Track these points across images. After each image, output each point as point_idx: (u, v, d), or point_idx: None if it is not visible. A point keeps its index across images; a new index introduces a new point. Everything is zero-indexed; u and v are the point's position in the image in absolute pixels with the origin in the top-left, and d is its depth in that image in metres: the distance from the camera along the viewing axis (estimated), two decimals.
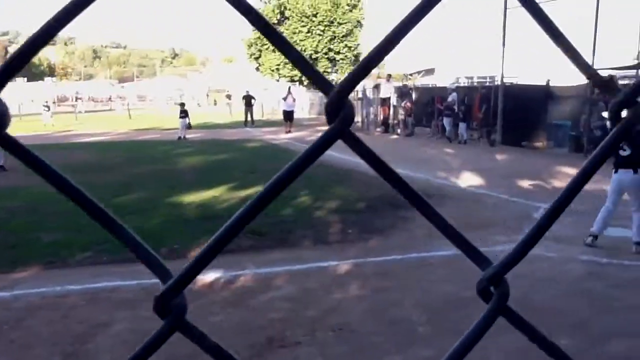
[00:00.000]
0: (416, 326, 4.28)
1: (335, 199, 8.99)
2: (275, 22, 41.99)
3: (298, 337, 4.09)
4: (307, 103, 37.86)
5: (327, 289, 5.08)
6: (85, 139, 20.95)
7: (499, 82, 18.35)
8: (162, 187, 9.94)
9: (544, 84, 17.13)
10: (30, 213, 7.99)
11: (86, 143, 19.44)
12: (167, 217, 7.73)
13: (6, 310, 4.70)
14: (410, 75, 41.87)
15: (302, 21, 40.91)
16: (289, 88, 25.59)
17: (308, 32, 41.12)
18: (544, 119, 16.87)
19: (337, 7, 40.71)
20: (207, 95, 63.07)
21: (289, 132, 23.03)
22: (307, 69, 0.41)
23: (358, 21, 42.46)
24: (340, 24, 41.18)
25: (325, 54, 41.59)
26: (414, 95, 23.32)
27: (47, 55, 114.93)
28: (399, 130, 22.65)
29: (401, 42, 0.42)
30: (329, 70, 39.10)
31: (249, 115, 28.24)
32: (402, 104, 22.24)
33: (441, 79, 32.42)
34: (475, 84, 26.24)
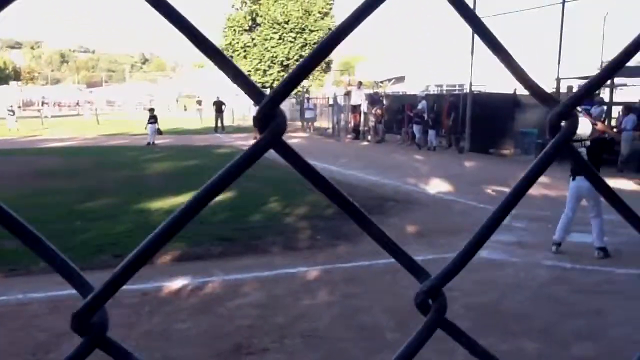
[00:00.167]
0: (385, 332, 4.28)
1: (305, 205, 8.97)
2: (247, 28, 41.93)
3: (266, 344, 4.06)
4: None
5: (296, 295, 5.06)
6: (52, 144, 20.55)
7: (468, 91, 18.62)
8: (130, 193, 9.80)
9: (511, 92, 17.43)
10: None
11: (53, 148, 19.06)
12: (134, 223, 7.61)
13: None
14: (381, 82, 42.18)
15: (274, 28, 40.92)
16: None
17: (280, 39, 41.15)
18: (511, 127, 17.16)
19: (309, 15, 40.88)
20: (177, 101, 62.53)
21: (256, 138, 22.91)
22: (236, 75, 0.40)
23: (329, 29, 42.58)
24: (312, 31, 41.32)
25: (297, 61, 41.58)
26: (384, 103, 23.48)
27: (12, 58, 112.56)
28: (369, 137, 22.79)
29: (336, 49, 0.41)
30: None
31: (219, 121, 28.08)
32: (373, 111, 22.39)
33: (411, 87, 32.77)
34: (444, 92, 26.56)
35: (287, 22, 40.75)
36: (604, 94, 18.32)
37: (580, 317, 4.63)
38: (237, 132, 27.27)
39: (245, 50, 42.25)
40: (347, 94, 24.78)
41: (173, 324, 4.42)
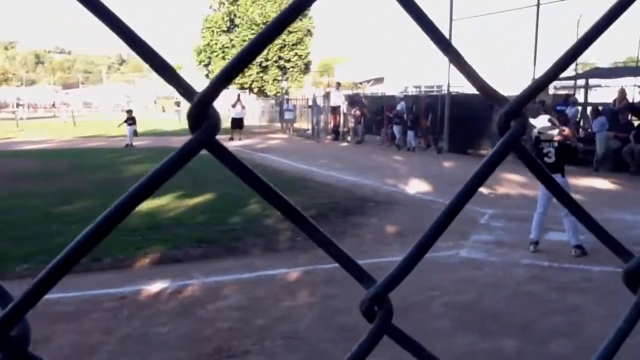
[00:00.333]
0: (364, 332, 4.29)
1: None
2: (225, 29, 41.76)
3: (247, 347, 4.04)
4: (259, 110, 37.69)
5: (277, 297, 5.05)
6: (28, 146, 20.22)
7: (446, 92, 18.76)
8: (107, 196, 9.65)
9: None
10: None
11: (28, 150, 18.76)
12: None
13: None
14: (360, 83, 42.35)
15: (252, 29, 40.80)
16: (238, 95, 25.40)
17: None
18: (489, 128, 17.31)
19: None
20: (155, 102, 62.01)
21: (232, 139, 22.82)
22: (170, 75, 0.39)
23: (308, 30, 42.69)
24: (290, 32, 41.28)
25: (276, 62, 41.59)
26: (365, 104, 23.54)
27: None
28: (349, 138, 22.83)
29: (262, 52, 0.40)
30: (279, 78, 39.10)
31: None
32: (352, 112, 22.44)
33: (390, 88, 32.92)
34: (422, 93, 26.74)
35: (265, 24, 40.56)
36: (579, 94, 18.62)
37: (558, 314, 4.69)
38: None
39: (223, 52, 42.07)
40: (326, 95, 24.81)
41: (152, 327, 4.38)
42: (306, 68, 44.13)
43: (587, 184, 11.21)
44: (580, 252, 6.12)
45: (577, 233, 6.19)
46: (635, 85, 18.02)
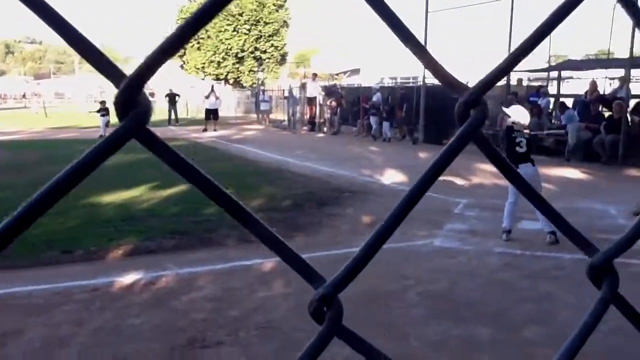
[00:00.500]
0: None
1: (261, 197, 8.92)
2: None
3: (221, 337, 4.02)
4: (234, 101, 37.44)
5: (251, 287, 5.03)
6: None
7: (421, 83, 18.84)
8: (79, 187, 9.35)
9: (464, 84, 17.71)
10: None
11: None
12: (84, 218, 7.40)
13: None
14: (336, 75, 42.32)
15: (228, 20, 40.44)
16: (212, 86, 25.16)
17: (234, 30, 40.71)
18: None
19: (263, 7, 40.54)
20: None
21: (206, 130, 22.65)
22: (96, 59, 0.36)
23: (284, 21, 42.47)
24: (266, 23, 41.04)
25: (252, 52, 41.32)
26: (342, 94, 23.53)
27: None
28: (325, 129, 22.82)
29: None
30: (255, 69, 38.86)
31: (172, 114, 27.60)
32: (328, 103, 22.42)
33: (366, 79, 32.96)
34: (398, 84, 26.82)
35: (241, 14, 40.33)
36: (552, 86, 18.86)
37: (530, 302, 4.75)
38: (192, 124, 26.86)
39: (199, 42, 41.62)
40: (302, 86, 24.74)
41: (125, 319, 4.33)
42: (282, 59, 43.94)
43: (558, 173, 11.38)
44: (554, 238, 6.17)
45: (550, 223, 6.27)
46: (606, 78, 18.33)
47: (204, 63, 41.60)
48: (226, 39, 40.73)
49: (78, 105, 49.56)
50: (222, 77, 41.82)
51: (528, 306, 4.67)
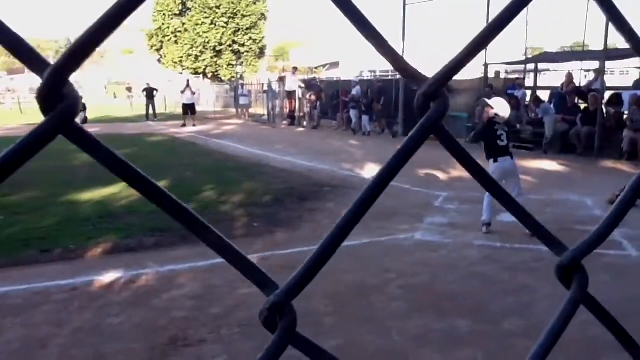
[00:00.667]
0: (323, 317, 4.31)
1: (241, 192, 8.88)
2: (177, 13, 40.88)
3: (203, 335, 4.00)
4: (213, 96, 37.17)
5: (232, 285, 5.00)
6: None
7: (400, 76, 18.87)
8: (57, 185, 9.41)
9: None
10: None
11: None
12: (62, 216, 7.31)
13: None
14: (316, 68, 42.22)
15: (205, 13, 40.11)
16: (187, 81, 24.94)
17: (211, 23, 40.38)
18: None
19: (241, 0, 40.29)
20: (106, 88, 60.39)
21: (184, 125, 22.46)
22: (14, 44, 0.32)
23: (262, 14, 42.23)
24: (244, 16, 40.76)
25: (230, 46, 41.04)
26: (322, 88, 23.47)
27: None
28: (305, 123, 22.79)
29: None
30: (234, 62, 38.61)
31: (150, 109, 27.32)
32: (308, 97, 22.38)
33: (346, 73, 32.95)
34: (377, 77, 26.86)
35: (218, 7, 40.02)
36: (529, 78, 19.04)
37: (509, 294, 4.81)
38: (170, 119, 26.63)
39: (176, 36, 41.22)
40: (281, 79, 24.64)
41: (105, 319, 4.28)
42: (261, 52, 43.72)
43: (536, 165, 11.52)
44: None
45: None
46: (581, 70, 18.56)
47: (182, 57, 41.23)
48: (204, 32, 40.39)
49: None
50: (200, 71, 41.48)
51: (508, 298, 4.72)
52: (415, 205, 8.03)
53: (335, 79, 27.48)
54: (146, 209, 7.53)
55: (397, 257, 5.77)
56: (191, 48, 40.88)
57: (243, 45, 41.34)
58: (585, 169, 11.55)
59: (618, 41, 20.02)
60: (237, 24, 40.68)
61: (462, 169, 0.48)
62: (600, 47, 13.47)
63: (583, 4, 18.12)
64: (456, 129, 17.06)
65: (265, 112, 25.58)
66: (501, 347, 3.83)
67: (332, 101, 22.68)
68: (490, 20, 0.43)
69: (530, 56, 19.25)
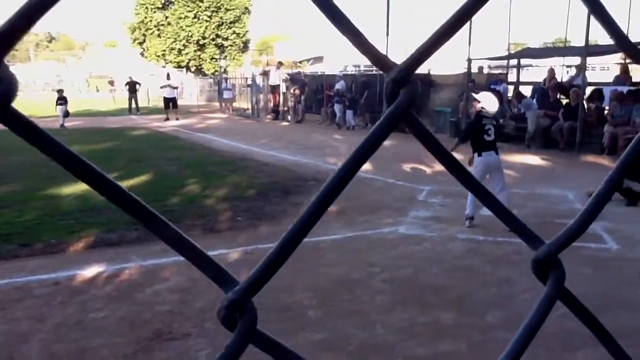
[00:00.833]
0: (307, 310, 4.31)
1: (225, 186, 8.85)
2: (160, 6, 40.51)
3: (187, 329, 3.99)
4: (196, 89, 36.94)
5: None
6: None
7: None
8: (38, 179, 9.28)
9: (426, 72, 17.89)
10: None
11: None
12: (43, 210, 7.22)
13: None
14: (300, 62, 42.11)
15: (188, 6, 39.81)
16: (167, 74, 24.76)
17: (195, 17, 40.10)
18: (427, 106, 17.65)
19: None
20: (88, 82, 59.70)
21: (168, 119, 22.31)
22: None
23: (246, 7, 42.02)
24: (227, 9, 40.53)
25: (213, 40, 40.79)
26: (306, 82, 23.42)
27: None
28: (289, 117, 22.74)
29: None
30: (217, 56, 38.39)
31: (133, 102, 27.09)
32: (292, 91, 22.33)
33: (330, 67, 32.91)
34: (362, 71, 26.88)
35: (201, 1, 39.72)
36: (512, 74, 19.18)
37: (492, 286, 4.86)
38: (153, 113, 26.43)
39: (158, 29, 40.86)
40: (265, 73, 24.56)
41: (88, 313, 4.25)
42: (245, 46, 43.53)
43: (519, 160, 11.62)
44: None
45: (511, 208, 6.40)
46: (563, 65, 18.73)
47: (165, 50, 40.91)
48: (187, 26, 40.09)
49: (35, 94, 48.16)
50: (183, 64, 41.20)
51: (491, 291, 4.77)
52: (399, 199, 8.06)
53: (319, 74, 27.45)
54: None
55: (381, 251, 5.80)
56: (174, 42, 40.58)
57: (226, 39, 41.12)
58: (567, 163, 11.68)
59: (599, 37, 20.25)
60: (221, 17, 40.43)
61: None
62: (582, 43, 13.60)
63: (565, 2, 18.27)
64: (440, 124, 17.19)
65: (249, 106, 25.48)
66: (484, 338, 3.87)
67: (316, 95, 22.66)
68: (460, 6, 0.42)
69: (513, 52, 19.38)
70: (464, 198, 6.75)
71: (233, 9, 40.58)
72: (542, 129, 13.76)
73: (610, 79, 15.19)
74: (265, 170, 10.43)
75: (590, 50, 13.86)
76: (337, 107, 19.82)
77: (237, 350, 0.38)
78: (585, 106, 13.34)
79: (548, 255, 0.48)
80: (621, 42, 0.46)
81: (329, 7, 0.38)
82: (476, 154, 6.50)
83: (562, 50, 19.88)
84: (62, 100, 19.81)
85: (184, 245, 0.38)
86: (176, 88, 24.15)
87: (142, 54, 42.98)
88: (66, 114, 19.73)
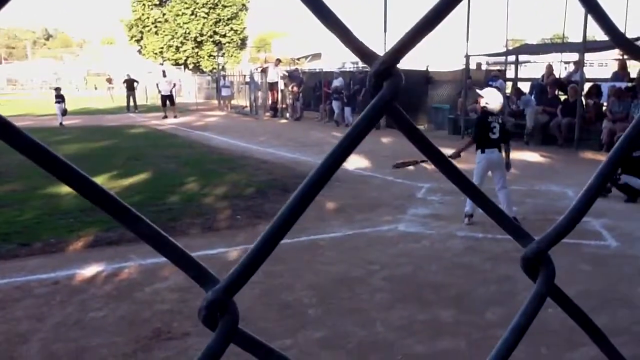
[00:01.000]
0: (307, 308, 4.32)
1: (224, 184, 8.85)
2: (157, 3, 40.42)
3: (186, 328, 3.99)
4: (195, 87, 36.88)
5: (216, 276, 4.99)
6: None
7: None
8: (37, 178, 9.26)
9: (424, 69, 17.88)
10: None
11: None
12: (42, 209, 7.22)
13: None
14: (298, 59, 42.07)
15: (186, 3, 39.72)
16: (163, 72, 24.72)
17: (192, 14, 40.03)
18: (425, 103, 17.65)
19: None
20: (85, 79, 59.60)
21: (166, 117, 22.28)
22: None
23: (243, 4, 41.93)
24: (225, 6, 40.45)
25: (211, 37, 40.73)
26: (303, 79, 23.40)
27: None
28: (287, 115, 22.73)
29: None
30: (215, 53, 38.33)
31: (131, 100, 27.05)
32: (290, 88, 22.30)
33: (328, 64, 32.87)
34: (360, 69, 26.85)
35: None
36: (510, 70, 19.17)
37: (491, 283, 4.86)
38: (152, 111, 26.39)
39: (156, 26, 40.78)
40: (263, 70, 24.52)
41: (87, 312, 4.25)
42: (242, 43, 43.46)
43: (517, 157, 11.60)
44: (515, 220, 6.34)
45: (511, 205, 6.41)
46: (561, 61, 18.73)
47: (162, 48, 40.84)
48: (184, 23, 40.02)
49: (32, 92, 48.08)
50: (181, 62, 41.14)
51: (490, 288, 4.77)
52: (398, 197, 8.06)
53: (317, 70, 27.42)
54: (128, 201, 7.32)
55: (381, 249, 5.80)
56: (172, 39, 40.51)
57: (224, 36, 41.05)
58: (566, 159, 11.69)
59: (597, 33, 20.22)
60: (218, 14, 40.35)
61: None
62: (580, 39, 13.59)
63: None
64: (439, 121, 17.19)
65: (248, 104, 25.45)
66: (483, 336, 3.87)
67: (314, 93, 22.63)
68: None
69: (511, 48, 19.38)
70: (462, 195, 6.68)
71: (230, 6, 40.50)
72: (540, 125, 13.76)
73: (609, 75, 15.20)
74: (264, 168, 10.43)
75: (588, 46, 13.85)
76: (335, 105, 19.81)
77: (217, 351, 0.37)
78: (584, 102, 13.34)
79: (537, 252, 0.47)
80: (617, 39, 0.46)
81: (314, 1, 0.37)
82: (479, 151, 6.51)
83: (560, 46, 19.88)
84: (59, 98, 19.77)
85: (162, 242, 0.37)
86: (174, 85, 24.05)
87: (139, 51, 42.90)
88: (64, 112, 19.70)
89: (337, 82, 20.11)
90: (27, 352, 3.69)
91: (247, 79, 25.81)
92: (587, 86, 13.84)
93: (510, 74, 18.68)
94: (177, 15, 39.74)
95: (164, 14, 40.19)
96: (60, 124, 19.20)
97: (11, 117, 23.64)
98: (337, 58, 35.50)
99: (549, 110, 13.79)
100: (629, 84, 13.05)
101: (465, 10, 15.24)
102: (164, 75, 23.63)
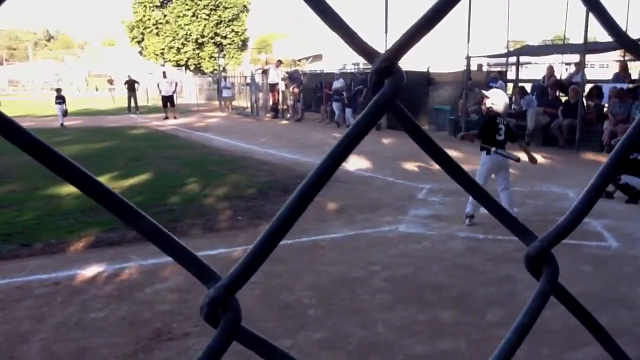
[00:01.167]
0: (307, 309, 4.31)
1: (225, 185, 8.85)
2: (158, 4, 40.46)
3: (187, 329, 3.99)
4: (195, 88, 36.90)
5: None
6: None
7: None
8: (37, 178, 9.27)
9: (425, 70, 17.88)
10: None
11: None
12: (43, 209, 7.22)
13: None
14: (299, 60, 42.09)
15: (187, 4, 39.76)
16: (164, 72, 24.74)
17: (193, 15, 40.06)
18: (426, 104, 17.64)
19: None
20: (86, 81, 59.63)
21: (167, 118, 22.31)
22: None
23: (244, 6, 41.97)
24: (226, 8, 40.48)
25: (212, 38, 40.76)
26: (303, 80, 23.41)
27: None
28: (288, 116, 22.74)
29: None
30: (216, 55, 38.35)
31: (132, 101, 27.08)
32: (291, 89, 22.31)
33: (329, 65, 32.89)
34: (361, 70, 26.85)
35: None
36: (511, 71, 19.18)
37: (492, 284, 4.86)
38: (153, 112, 26.41)
39: (157, 28, 40.81)
40: (264, 71, 24.54)
41: (88, 313, 4.25)
42: (243, 45, 43.49)
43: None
44: None
45: (513, 206, 6.40)
46: (562, 63, 18.73)
47: (163, 49, 40.87)
48: (185, 24, 40.06)
49: (34, 93, 48.11)
50: (182, 63, 41.17)
51: (490, 288, 4.77)
52: (399, 198, 8.06)
53: (318, 72, 27.43)
54: (129, 202, 7.48)
55: (382, 249, 5.80)
56: (173, 40, 40.54)
57: (225, 37, 41.08)
58: (567, 161, 11.69)
59: (598, 35, 20.23)
60: (219, 16, 40.39)
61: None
62: (581, 41, 13.59)
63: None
64: (439, 122, 17.19)
65: (249, 105, 25.47)
66: (484, 337, 3.87)
67: (315, 94, 22.64)
68: None
69: (512, 49, 19.38)
70: (463, 196, 6.76)
71: (231, 7, 40.54)
72: (541, 126, 13.76)
73: (610, 77, 15.19)
74: (264, 169, 10.43)
75: (589, 47, 13.86)
76: (336, 106, 19.82)
77: (219, 348, 0.37)
78: (585, 103, 13.34)
79: (540, 250, 0.47)
80: (620, 40, 0.46)
81: (318, 3, 0.37)
82: (484, 152, 6.50)
83: (561, 47, 19.88)
84: (60, 99, 19.80)
85: (164, 239, 0.37)
86: (175, 85, 24.04)
87: (140, 52, 42.94)
88: (65, 113, 19.73)
89: (337, 84, 20.12)
90: (28, 353, 3.69)
91: (248, 80, 25.83)
92: (588, 87, 13.85)
93: (511, 75, 18.68)
94: (178, 16, 39.78)
95: (165, 16, 40.23)
96: (61, 124, 19.24)
97: (15, 117, 23.62)
98: (338, 59, 35.53)
99: (550, 112, 13.79)
100: (630, 85, 13.05)
101: (466, 11, 15.24)
102: (165, 76, 23.66)
